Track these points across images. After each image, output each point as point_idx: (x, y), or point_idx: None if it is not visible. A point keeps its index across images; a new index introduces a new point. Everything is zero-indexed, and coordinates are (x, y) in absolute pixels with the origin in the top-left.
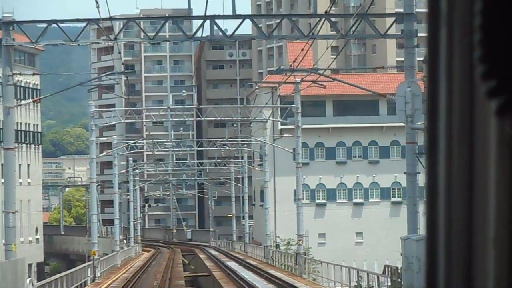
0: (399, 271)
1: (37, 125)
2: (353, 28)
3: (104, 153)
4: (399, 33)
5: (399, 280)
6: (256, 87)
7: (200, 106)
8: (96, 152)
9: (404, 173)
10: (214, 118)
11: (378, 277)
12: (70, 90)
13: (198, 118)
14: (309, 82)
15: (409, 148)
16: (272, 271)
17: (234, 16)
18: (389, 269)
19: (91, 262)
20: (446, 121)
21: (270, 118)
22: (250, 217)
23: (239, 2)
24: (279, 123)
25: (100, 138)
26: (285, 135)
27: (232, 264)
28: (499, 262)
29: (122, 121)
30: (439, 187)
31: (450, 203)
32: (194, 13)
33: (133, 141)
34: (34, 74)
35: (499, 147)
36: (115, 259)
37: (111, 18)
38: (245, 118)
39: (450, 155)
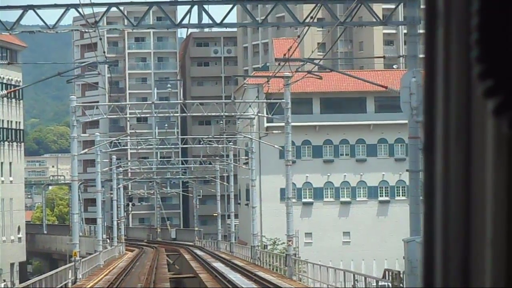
0: (401, 275)
1: (20, 122)
2: (349, 18)
3: (86, 150)
4: (401, 20)
5: (401, 285)
6: (245, 81)
7: (186, 101)
8: (79, 150)
9: (407, 170)
10: (200, 114)
11: (377, 281)
12: (54, 88)
13: (183, 114)
14: (303, 73)
15: (412, 143)
16: (260, 273)
17: (223, 1)
18: (390, 273)
19: (73, 263)
20: (443, 121)
21: (257, 114)
22: (236, 216)
23: None
24: (265, 121)
25: (82, 135)
26: (274, 131)
27: (218, 265)
28: (496, 262)
29: (105, 116)
30: (436, 187)
31: (447, 203)
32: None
33: (116, 138)
34: (9, 63)
35: (496, 147)
36: (98, 259)
37: (92, 4)
38: (232, 114)
39: (447, 155)
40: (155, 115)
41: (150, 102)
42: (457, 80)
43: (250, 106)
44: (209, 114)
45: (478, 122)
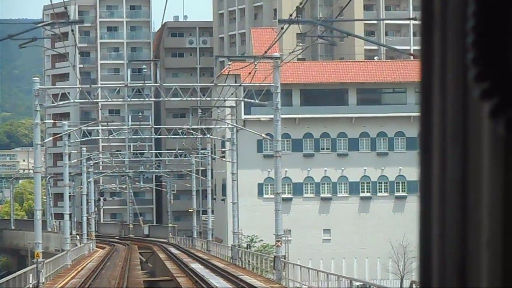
0: None
1: None
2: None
3: (50, 138)
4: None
5: None
6: (229, 65)
7: (163, 84)
8: (49, 143)
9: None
10: (178, 99)
11: None
12: (26, 82)
13: (159, 99)
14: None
15: None
16: (245, 277)
17: None
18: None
19: (34, 265)
20: (440, 123)
21: (242, 99)
22: (212, 212)
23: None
24: (242, 113)
25: (49, 126)
26: (265, 119)
27: (196, 267)
28: (492, 262)
29: (76, 101)
30: (433, 188)
31: (443, 204)
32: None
33: (86, 125)
34: None
35: (492, 149)
36: (65, 259)
37: None
38: (214, 99)
39: (444, 156)
40: (129, 100)
41: (123, 84)
42: (454, 82)
43: (225, 100)
44: (188, 99)
45: (475, 124)
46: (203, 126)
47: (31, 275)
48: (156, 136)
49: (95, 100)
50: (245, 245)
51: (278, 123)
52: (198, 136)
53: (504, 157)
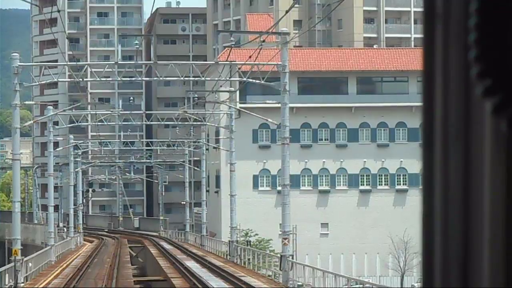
0: None
1: None
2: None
3: (29, 122)
4: None
5: None
6: (216, 59)
7: (156, 62)
8: (37, 132)
9: None
10: (172, 78)
11: None
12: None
13: (150, 78)
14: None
15: None
16: (247, 278)
17: None
18: None
19: (12, 264)
20: (442, 120)
21: (247, 79)
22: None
23: None
24: (237, 103)
25: (37, 114)
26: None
27: (192, 265)
28: (494, 262)
29: (62, 80)
30: (436, 186)
31: (446, 202)
32: None
33: (73, 107)
34: None
35: (494, 146)
36: (49, 255)
37: None
38: (211, 79)
39: (446, 154)
40: (119, 79)
41: (113, 62)
42: (456, 79)
43: (221, 86)
44: (183, 78)
45: (477, 121)
46: (198, 111)
47: (7, 275)
48: (147, 123)
49: (83, 80)
50: (241, 239)
51: (286, 106)
52: (192, 124)
53: (506, 154)
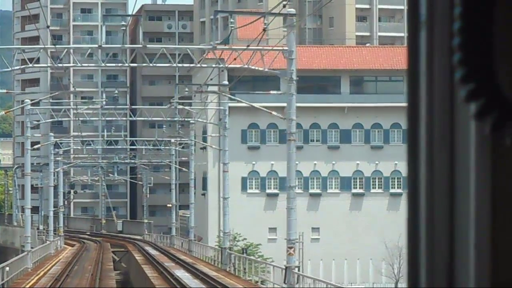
0: None
1: None
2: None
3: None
4: None
5: None
6: (204, 56)
7: (147, 46)
8: (18, 132)
9: None
10: (160, 66)
11: None
12: None
13: (134, 64)
14: None
15: None
16: None
17: None
18: None
19: None
20: (427, 124)
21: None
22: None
23: None
24: (227, 100)
25: (18, 114)
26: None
27: (182, 275)
28: (480, 262)
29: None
30: (421, 189)
31: (431, 204)
32: None
33: (53, 94)
34: None
35: (479, 149)
36: (25, 261)
37: None
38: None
39: (431, 158)
40: (103, 65)
41: (96, 45)
42: (440, 83)
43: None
44: (177, 65)
45: (461, 125)
46: (187, 105)
47: None
48: (132, 119)
49: (65, 65)
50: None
51: (292, 97)
52: (180, 120)
53: (491, 158)
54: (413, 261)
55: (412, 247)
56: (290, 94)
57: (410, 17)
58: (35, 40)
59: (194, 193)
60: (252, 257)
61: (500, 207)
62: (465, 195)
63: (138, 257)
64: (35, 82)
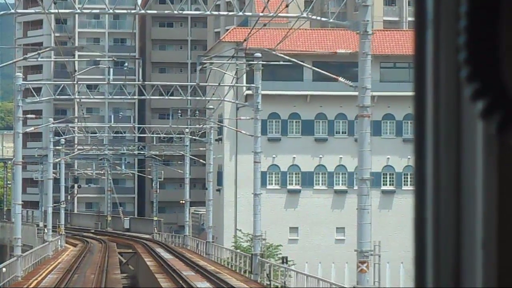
0: None
1: None
2: None
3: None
4: None
5: None
6: (220, 39)
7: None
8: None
9: None
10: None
11: None
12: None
13: (139, 56)
14: None
15: None
16: None
17: None
18: None
19: None
20: (434, 123)
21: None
22: (203, 205)
23: None
24: (244, 88)
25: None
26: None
27: None
28: (487, 262)
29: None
30: (427, 189)
31: (438, 204)
32: None
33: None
34: None
35: (486, 148)
36: (15, 268)
37: None
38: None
39: (438, 157)
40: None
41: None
42: (447, 82)
43: (228, 67)
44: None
45: (468, 124)
46: (204, 84)
47: None
48: (141, 83)
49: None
50: (244, 244)
51: (367, 57)
52: (194, 109)
53: (498, 157)
54: (420, 263)
55: (419, 248)
56: (364, 54)
57: (416, 15)
58: (38, 24)
59: (207, 189)
60: (292, 268)
61: (507, 207)
62: (472, 194)
63: (148, 261)
64: (38, 68)
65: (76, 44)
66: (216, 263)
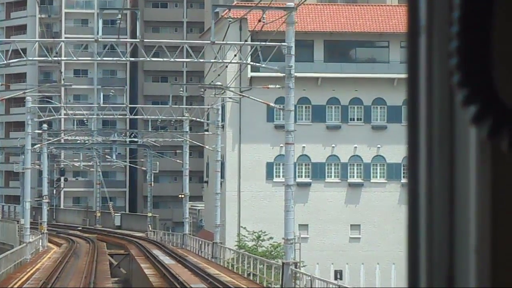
0: None
1: None
2: None
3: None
4: None
5: None
6: (222, 15)
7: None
8: (1, 111)
9: None
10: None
11: None
12: None
13: (138, 59)
14: None
15: None
16: None
17: None
18: None
19: None
20: (427, 128)
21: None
22: (201, 199)
23: None
24: (249, 70)
25: (1, 90)
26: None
27: None
28: (480, 267)
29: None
30: (421, 193)
31: (431, 210)
32: None
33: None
34: None
35: (479, 154)
36: None
37: None
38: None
39: (431, 162)
40: (99, 59)
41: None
42: (440, 87)
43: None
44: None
45: (461, 129)
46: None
47: None
48: (133, 59)
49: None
50: (250, 244)
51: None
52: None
53: (491, 162)
54: (413, 267)
55: (412, 252)
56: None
57: (409, 21)
58: (21, 4)
59: (206, 182)
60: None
61: (501, 211)
62: (465, 198)
63: (145, 267)
64: (21, 77)
65: (63, 25)
66: (228, 270)
